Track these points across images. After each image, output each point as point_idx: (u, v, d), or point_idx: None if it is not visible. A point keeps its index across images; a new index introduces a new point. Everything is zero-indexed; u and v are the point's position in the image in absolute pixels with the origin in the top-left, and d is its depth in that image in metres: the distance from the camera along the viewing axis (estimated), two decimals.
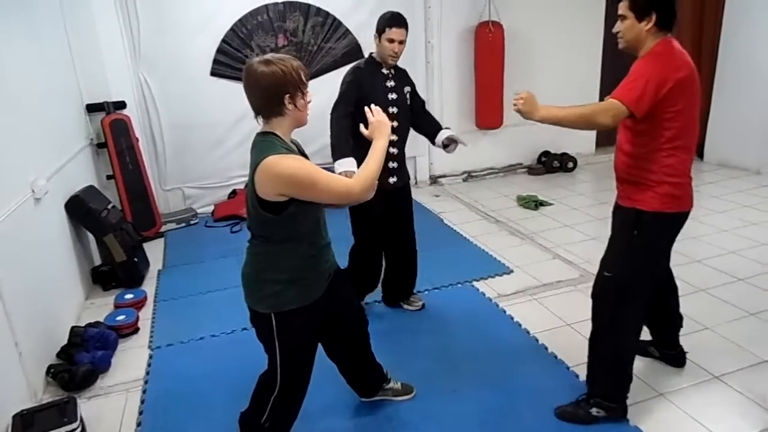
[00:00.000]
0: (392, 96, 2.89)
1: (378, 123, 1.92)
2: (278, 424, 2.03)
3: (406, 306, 3.28)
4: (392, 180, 2.96)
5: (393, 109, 2.88)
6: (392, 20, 2.77)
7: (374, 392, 2.44)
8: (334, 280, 2.02)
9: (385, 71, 2.89)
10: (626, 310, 2.16)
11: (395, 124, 2.86)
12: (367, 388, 2.43)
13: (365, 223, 2.99)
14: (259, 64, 1.70)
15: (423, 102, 3.16)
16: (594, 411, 2.25)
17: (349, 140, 2.71)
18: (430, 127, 3.12)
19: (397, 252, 3.18)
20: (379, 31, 2.81)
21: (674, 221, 2.11)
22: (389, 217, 3.03)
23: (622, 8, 2.05)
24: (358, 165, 2.59)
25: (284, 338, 1.88)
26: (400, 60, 2.91)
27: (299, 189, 1.70)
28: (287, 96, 1.72)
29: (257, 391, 2.04)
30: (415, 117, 3.07)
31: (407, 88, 2.99)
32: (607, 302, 2.19)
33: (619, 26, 2.08)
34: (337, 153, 2.74)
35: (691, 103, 2.00)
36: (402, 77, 2.97)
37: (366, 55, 3.01)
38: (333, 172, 2.23)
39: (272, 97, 1.71)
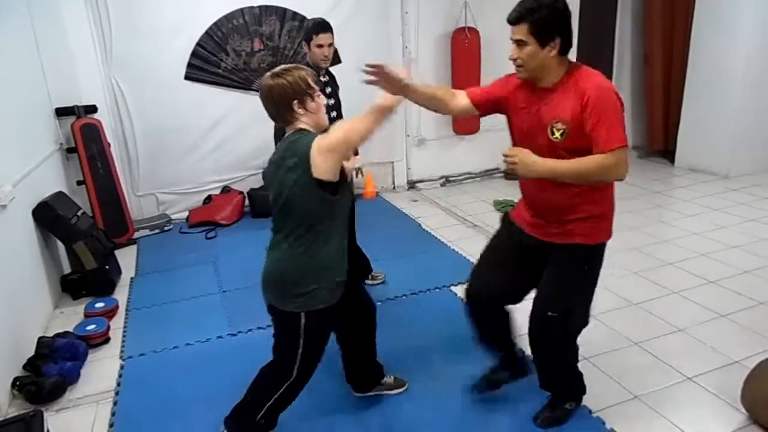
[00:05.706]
0: (331, 102, 3.03)
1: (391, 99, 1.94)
2: (271, 417, 2.08)
3: (369, 282, 3.44)
4: None
5: (333, 113, 3.04)
6: (318, 27, 2.96)
7: (370, 388, 2.51)
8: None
9: (322, 78, 3.03)
10: (574, 337, 2.19)
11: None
12: (365, 383, 2.50)
13: None
14: (269, 78, 1.90)
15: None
16: (567, 405, 2.32)
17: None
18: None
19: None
20: (307, 39, 2.96)
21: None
22: None
23: (520, 33, 1.84)
24: None
25: (309, 336, 1.97)
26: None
27: (349, 138, 1.82)
28: (295, 102, 1.88)
29: (261, 383, 2.07)
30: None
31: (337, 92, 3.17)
32: (557, 340, 2.15)
33: (516, 53, 1.87)
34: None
35: None
36: (333, 82, 3.14)
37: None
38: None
39: (281, 106, 1.89)
